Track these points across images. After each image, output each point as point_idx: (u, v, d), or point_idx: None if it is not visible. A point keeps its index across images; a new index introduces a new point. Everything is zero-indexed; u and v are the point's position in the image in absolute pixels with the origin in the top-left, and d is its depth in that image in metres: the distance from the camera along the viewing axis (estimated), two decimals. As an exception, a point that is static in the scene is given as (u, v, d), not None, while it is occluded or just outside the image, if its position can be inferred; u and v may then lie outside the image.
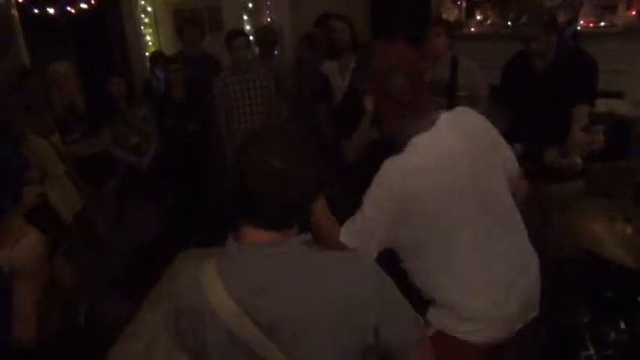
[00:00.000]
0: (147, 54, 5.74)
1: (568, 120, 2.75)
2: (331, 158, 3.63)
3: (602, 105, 3.35)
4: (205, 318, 1.16)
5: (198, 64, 4.19)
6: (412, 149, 1.62)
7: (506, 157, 1.80)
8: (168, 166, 4.07)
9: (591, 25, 3.88)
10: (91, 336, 2.74)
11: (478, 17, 4.58)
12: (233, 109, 4.00)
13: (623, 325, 2.10)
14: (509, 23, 4.26)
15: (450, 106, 3.26)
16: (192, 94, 4.05)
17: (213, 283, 1.16)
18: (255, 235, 1.19)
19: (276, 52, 5.00)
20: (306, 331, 1.12)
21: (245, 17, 5.67)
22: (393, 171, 1.61)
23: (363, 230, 1.65)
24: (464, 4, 4.67)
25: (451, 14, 4.66)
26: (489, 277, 1.65)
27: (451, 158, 1.62)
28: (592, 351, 2.02)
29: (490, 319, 1.66)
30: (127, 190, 3.97)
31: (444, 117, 1.69)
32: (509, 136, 2.76)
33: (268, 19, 5.60)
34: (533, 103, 2.77)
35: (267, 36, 4.65)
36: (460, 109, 1.76)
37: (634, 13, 3.73)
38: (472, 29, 4.55)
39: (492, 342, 1.67)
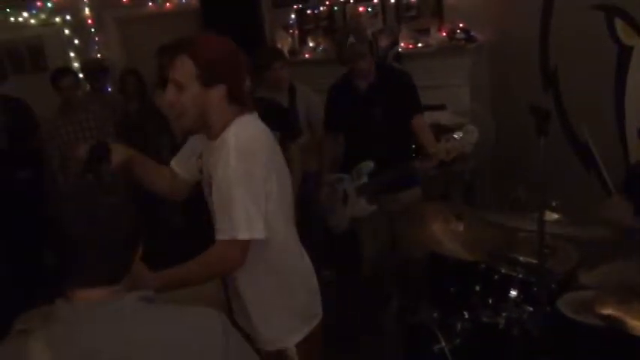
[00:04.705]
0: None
1: (406, 133, 2.99)
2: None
3: (427, 117, 3.69)
4: None
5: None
6: (240, 124, 1.65)
7: None
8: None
9: (410, 46, 4.26)
10: None
11: (311, 44, 4.79)
12: (68, 152, 3.73)
13: (467, 315, 2.29)
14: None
15: (293, 133, 3.33)
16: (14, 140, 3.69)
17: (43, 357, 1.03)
18: (85, 293, 1.08)
19: (109, 89, 4.76)
20: None
21: (72, 54, 5.34)
22: (244, 140, 1.61)
23: (255, 211, 1.58)
24: (296, 32, 4.87)
25: (285, 42, 4.83)
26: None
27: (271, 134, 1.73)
28: (443, 343, 2.17)
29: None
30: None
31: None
32: (358, 154, 2.97)
33: (98, 55, 5.33)
34: (362, 123, 2.96)
35: (93, 66, 4.43)
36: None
37: (444, 34, 4.17)
38: (306, 55, 4.75)
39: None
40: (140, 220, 1.15)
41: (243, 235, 1.57)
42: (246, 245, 1.59)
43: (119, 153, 1.75)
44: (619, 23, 2.99)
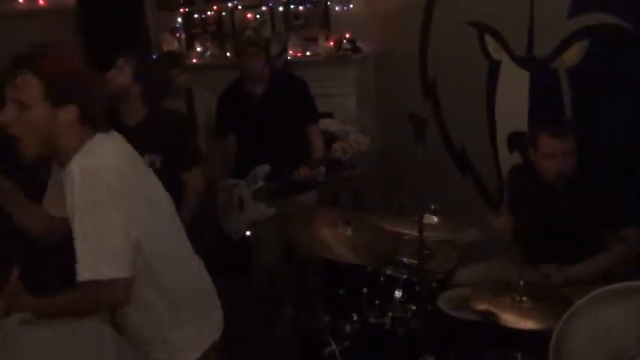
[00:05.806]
0: None
1: (300, 139, 3.03)
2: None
3: (316, 125, 3.76)
4: None
5: None
6: (88, 147, 1.49)
7: None
8: None
9: (299, 54, 4.32)
10: None
11: (198, 49, 4.70)
12: None
13: (355, 317, 2.35)
14: (227, 54, 4.47)
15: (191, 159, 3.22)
16: None
17: None
18: None
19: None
20: None
21: None
22: (89, 165, 1.44)
23: (114, 248, 1.41)
24: (183, 36, 4.75)
25: (171, 46, 4.68)
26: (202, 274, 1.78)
27: (129, 154, 1.61)
28: (333, 346, 2.21)
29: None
30: None
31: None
32: (252, 159, 2.96)
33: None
34: (257, 128, 2.96)
35: None
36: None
37: (332, 44, 4.28)
38: (194, 60, 4.65)
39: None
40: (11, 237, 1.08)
41: (107, 275, 1.39)
42: (127, 283, 1.44)
43: None
44: (489, 39, 3.25)
